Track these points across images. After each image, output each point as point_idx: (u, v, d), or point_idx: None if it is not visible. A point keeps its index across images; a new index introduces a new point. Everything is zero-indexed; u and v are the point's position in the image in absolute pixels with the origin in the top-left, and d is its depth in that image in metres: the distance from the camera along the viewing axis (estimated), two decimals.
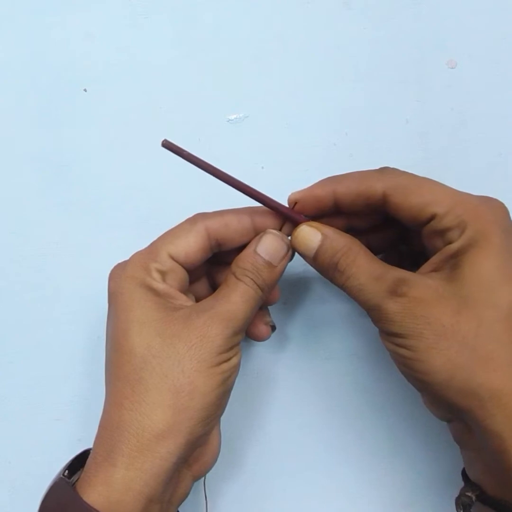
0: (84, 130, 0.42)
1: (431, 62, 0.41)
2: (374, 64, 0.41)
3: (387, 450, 0.39)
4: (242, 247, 0.33)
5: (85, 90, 0.42)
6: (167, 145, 0.31)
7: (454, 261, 0.28)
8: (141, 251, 0.32)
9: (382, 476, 0.39)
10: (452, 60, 0.41)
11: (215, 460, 0.32)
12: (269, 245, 0.31)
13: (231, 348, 0.30)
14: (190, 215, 0.33)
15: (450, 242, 0.29)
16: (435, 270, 0.29)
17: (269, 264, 0.31)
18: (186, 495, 0.31)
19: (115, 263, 0.33)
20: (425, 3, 0.41)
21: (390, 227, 0.34)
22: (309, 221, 0.32)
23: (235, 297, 0.30)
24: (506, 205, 0.30)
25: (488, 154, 0.41)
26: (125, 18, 0.42)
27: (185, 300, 0.31)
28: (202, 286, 0.36)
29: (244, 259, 0.31)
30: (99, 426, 0.29)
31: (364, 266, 0.29)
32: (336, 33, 0.42)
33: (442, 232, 0.29)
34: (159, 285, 0.31)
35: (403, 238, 0.35)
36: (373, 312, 0.29)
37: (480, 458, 0.29)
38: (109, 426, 0.29)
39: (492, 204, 0.30)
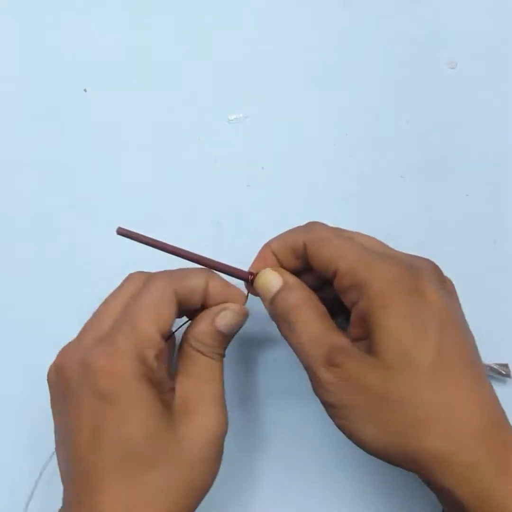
0: (84, 130, 0.42)
1: (431, 62, 0.41)
2: (374, 64, 0.41)
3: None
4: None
5: (85, 90, 0.42)
6: (122, 232, 0.30)
7: (366, 325, 0.28)
8: (123, 334, 0.29)
9: None
10: (452, 61, 0.41)
11: None
12: (229, 321, 0.31)
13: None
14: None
15: (352, 302, 0.29)
16: (358, 335, 0.29)
17: (227, 336, 0.31)
18: None
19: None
20: (425, 3, 0.41)
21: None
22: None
23: (212, 381, 0.30)
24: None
25: (488, 154, 0.41)
26: (125, 18, 0.42)
27: (171, 383, 0.30)
28: None
29: (204, 334, 0.31)
30: None
31: (310, 325, 0.29)
32: (336, 33, 0.42)
33: (343, 290, 0.29)
34: (161, 375, 0.29)
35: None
36: (309, 376, 0.29)
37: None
38: None
39: (398, 264, 0.29)
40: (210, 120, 0.41)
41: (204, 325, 0.31)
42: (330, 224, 0.34)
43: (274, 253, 0.32)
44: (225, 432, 0.30)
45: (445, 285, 0.30)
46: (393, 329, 0.27)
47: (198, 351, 0.31)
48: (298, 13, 0.42)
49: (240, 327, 0.32)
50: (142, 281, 0.31)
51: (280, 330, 0.30)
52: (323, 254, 0.30)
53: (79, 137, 0.41)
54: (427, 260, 0.30)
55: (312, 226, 0.32)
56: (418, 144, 0.41)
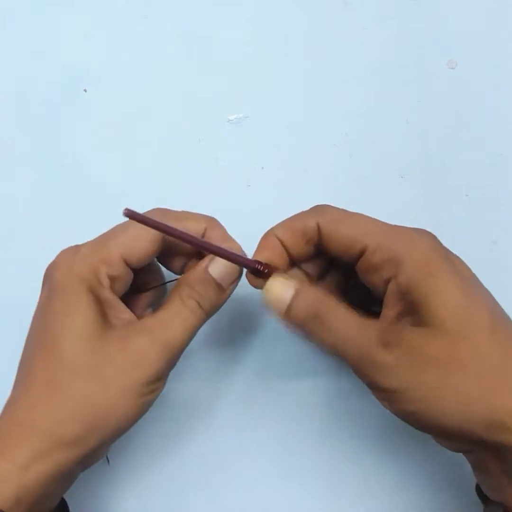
0: (84, 130, 0.42)
1: (431, 62, 0.41)
2: (374, 64, 0.41)
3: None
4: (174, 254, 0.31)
5: (85, 90, 0.42)
6: (129, 214, 0.26)
7: (410, 298, 0.27)
8: (92, 244, 0.30)
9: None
10: (452, 60, 0.41)
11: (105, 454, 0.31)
12: (223, 267, 0.29)
13: (160, 378, 0.29)
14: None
15: (386, 279, 0.28)
16: (397, 313, 0.28)
17: (219, 287, 0.29)
18: (72, 483, 0.30)
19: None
20: (425, 3, 0.41)
21: (337, 270, 0.32)
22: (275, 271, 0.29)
23: (177, 326, 0.29)
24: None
25: (488, 154, 0.41)
26: (125, 18, 0.42)
27: (126, 313, 0.30)
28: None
29: (194, 278, 0.29)
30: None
31: (346, 317, 0.27)
32: (336, 33, 0.42)
33: (375, 267, 0.28)
34: (107, 295, 0.29)
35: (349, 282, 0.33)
36: (362, 366, 0.27)
37: None
38: (12, 423, 0.27)
39: (424, 233, 0.29)
40: (210, 120, 0.41)
41: (196, 269, 0.29)
42: None
43: (279, 240, 0.30)
44: (158, 386, 0.29)
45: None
46: (448, 295, 0.26)
47: (181, 296, 0.29)
48: (298, 13, 0.42)
49: (232, 283, 0.30)
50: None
51: (309, 337, 0.28)
52: (344, 233, 0.28)
53: (79, 137, 0.41)
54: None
55: (324, 207, 0.30)
56: (418, 144, 0.41)
